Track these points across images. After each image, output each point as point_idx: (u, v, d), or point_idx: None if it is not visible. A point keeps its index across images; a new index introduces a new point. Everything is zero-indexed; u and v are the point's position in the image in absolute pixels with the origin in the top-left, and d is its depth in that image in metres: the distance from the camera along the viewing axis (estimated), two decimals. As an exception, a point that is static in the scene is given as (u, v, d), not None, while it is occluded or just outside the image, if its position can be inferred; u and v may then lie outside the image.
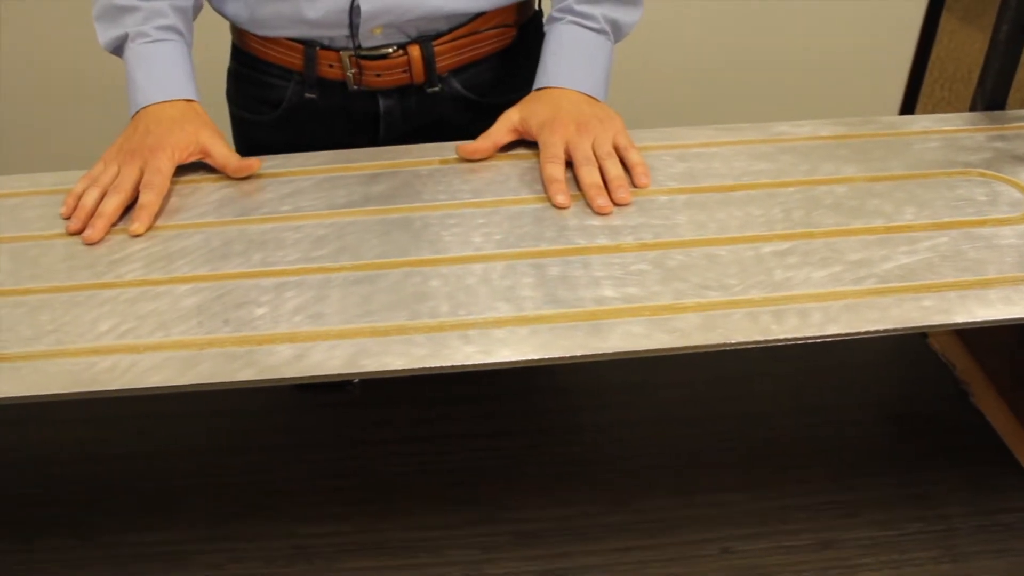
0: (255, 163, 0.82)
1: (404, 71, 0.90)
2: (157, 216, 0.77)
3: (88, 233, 0.75)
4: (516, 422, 0.91)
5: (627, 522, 0.80)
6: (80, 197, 0.78)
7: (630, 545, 0.78)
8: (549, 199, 0.77)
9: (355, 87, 0.91)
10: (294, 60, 0.91)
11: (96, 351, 0.64)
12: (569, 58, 0.86)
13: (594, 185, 0.77)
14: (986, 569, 0.76)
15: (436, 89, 0.92)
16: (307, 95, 0.92)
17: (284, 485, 0.85)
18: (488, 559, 0.77)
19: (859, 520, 0.80)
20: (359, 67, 0.89)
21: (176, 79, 0.85)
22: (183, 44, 0.87)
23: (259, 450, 0.89)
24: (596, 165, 0.78)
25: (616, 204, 0.76)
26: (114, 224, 0.76)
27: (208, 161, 0.82)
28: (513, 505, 0.82)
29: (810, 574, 0.75)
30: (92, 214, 0.76)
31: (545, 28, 0.89)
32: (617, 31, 0.89)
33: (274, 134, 0.97)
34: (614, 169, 0.78)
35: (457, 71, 0.93)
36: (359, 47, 0.88)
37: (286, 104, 0.94)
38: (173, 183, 0.80)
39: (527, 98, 0.85)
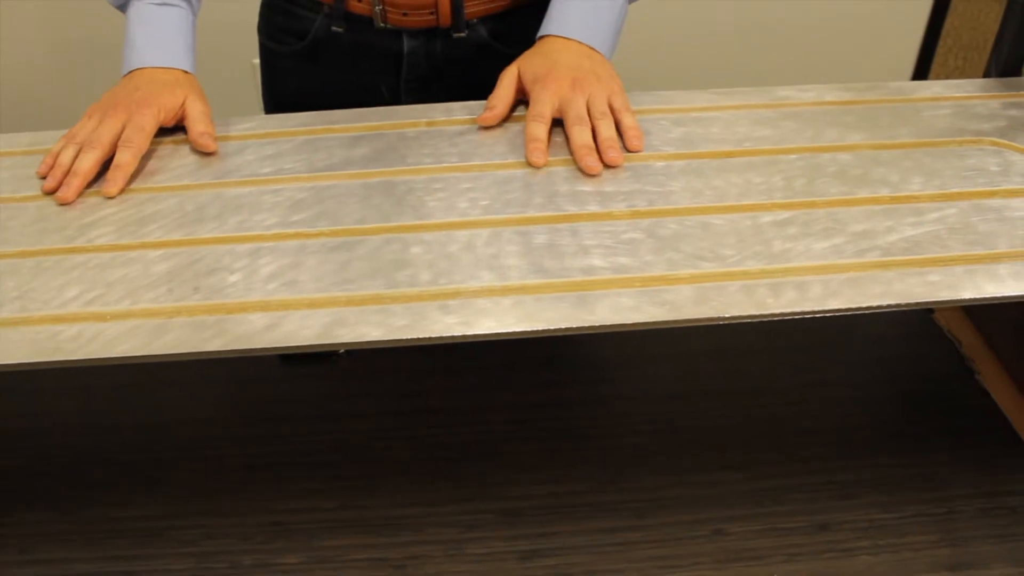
0: (212, 145, 0.78)
1: (431, 13, 0.89)
2: (133, 178, 0.74)
3: (62, 192, 0.72)
4: (502, 396, 0.88)
5: (615, 501, 0.77)
6: (58, 156, 0.75)
7: (618, 525, 0.75)
8: (526, 157, 0.74)
9: (381, 24, 0.90)
10: None
11: (61, 319, 0.62)
12: (576, 9, 0.82)
13: (584, 146, 0.74)
14: (987, 554, 0.73)
15: (462, 35, 0.90)
16: (334, 28, 0.91)
17: (262, 459, 0.83)
18: (471, 537, 0.75)
19: (857, 502, 0.77)
20: (386, 4, 0.88)
21: (176, 49, 0.82)
22: (189, 13, 0.84)
23: (238, 423, 0.87)
24: (589, 125, 0.75)
25: (606, 165, 0.73)
26: (91, 183, 0.74)
27: (184, 121, 0.79)
28: (498, 482, 0.79)
29: (805, 557, 0.73)
30: (68, 172, 0.74)
31: None
32: None
33: (299, 66, 0.97)
34: (607, 130, 0.75)
35: (486, 19, 0.91)
36: None
37: (312, 36, 0.93)
38: (152, 144, 0.77)
39: (529, 50, 0.82)
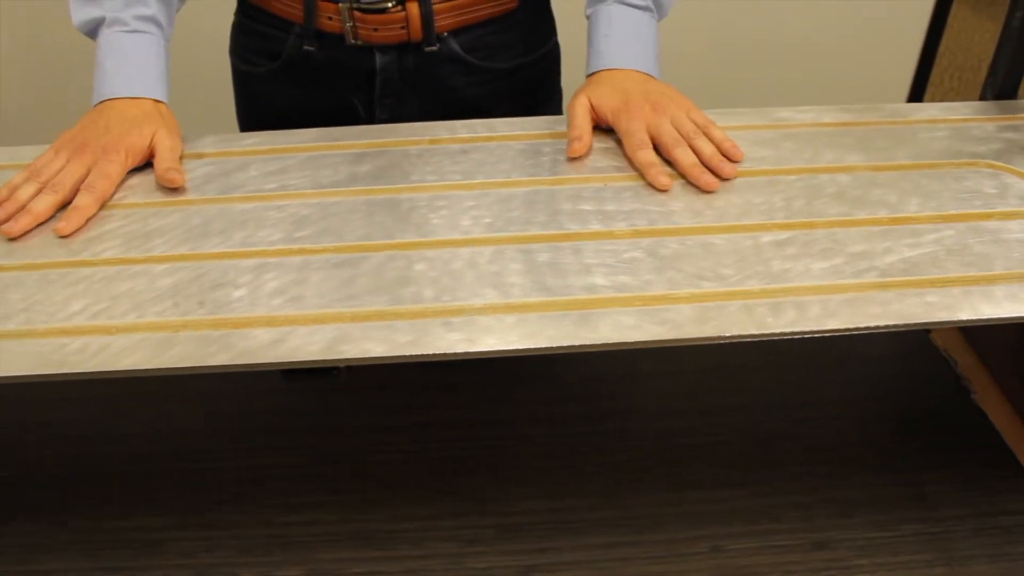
0: (179, 180, 0.76)
1: (402, 27, 0.89)
2: (89, 220, 0.73)
3: (8, 226, 0.71)
4: (502, 411, 0.88)
5: (614, 517, 0.78)
6: (16, 189, 0.73)
7: (616, 541, 0.76)
8: (650, 183, 0.74)
9: (353, 41, 0.90)
10: (295, 12, 0.90)
11: (66, 332, 0.62)
12: (621, 38, 0.85)
13: (694, 165, 0.75)
14: (982, 574, 0.74)
15: (434, 49, 0.91)
16: (306, 47, 0.91)
17: (262, 472, 0.83)
18: (470, 552, 0.75)
19: (853, 520, 0.77)
20: (357, 21, 0.88)
21: (147, 77, 0.81)
22: (161, 38, 0.83)
23: (237, 435, 0.87)
24: (687, 145, 0.77)
25: (723, 180, 0.75)
26: (43, 223, 0.72)
27: (152, 158, 0.78)
28: (497, 497, 0.80)
29: (801, 575, 0.73)
30: (22, 207, 0.72)
31: (587, 13, 0.88)
32: (660, 8, 0.88)
33: (272, 86, 0.96)
34: (707, 148, 0.77)
35: (456, 32, 0.91)
36: (358, 1, 0.87)
37: (285, 56, 0.93)
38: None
39: (589, 82, 0.84)
